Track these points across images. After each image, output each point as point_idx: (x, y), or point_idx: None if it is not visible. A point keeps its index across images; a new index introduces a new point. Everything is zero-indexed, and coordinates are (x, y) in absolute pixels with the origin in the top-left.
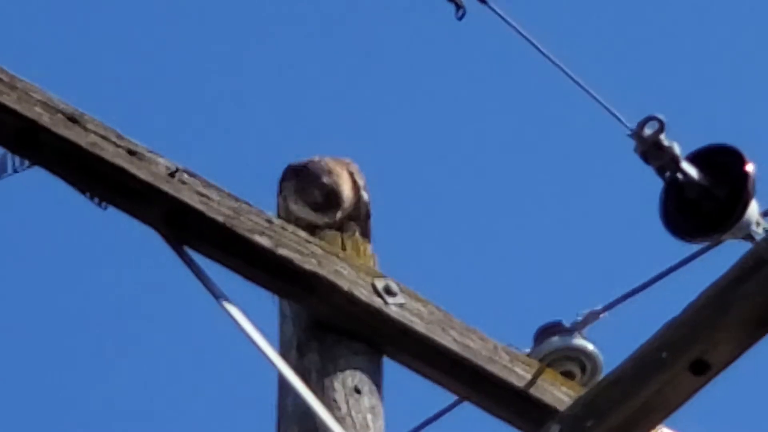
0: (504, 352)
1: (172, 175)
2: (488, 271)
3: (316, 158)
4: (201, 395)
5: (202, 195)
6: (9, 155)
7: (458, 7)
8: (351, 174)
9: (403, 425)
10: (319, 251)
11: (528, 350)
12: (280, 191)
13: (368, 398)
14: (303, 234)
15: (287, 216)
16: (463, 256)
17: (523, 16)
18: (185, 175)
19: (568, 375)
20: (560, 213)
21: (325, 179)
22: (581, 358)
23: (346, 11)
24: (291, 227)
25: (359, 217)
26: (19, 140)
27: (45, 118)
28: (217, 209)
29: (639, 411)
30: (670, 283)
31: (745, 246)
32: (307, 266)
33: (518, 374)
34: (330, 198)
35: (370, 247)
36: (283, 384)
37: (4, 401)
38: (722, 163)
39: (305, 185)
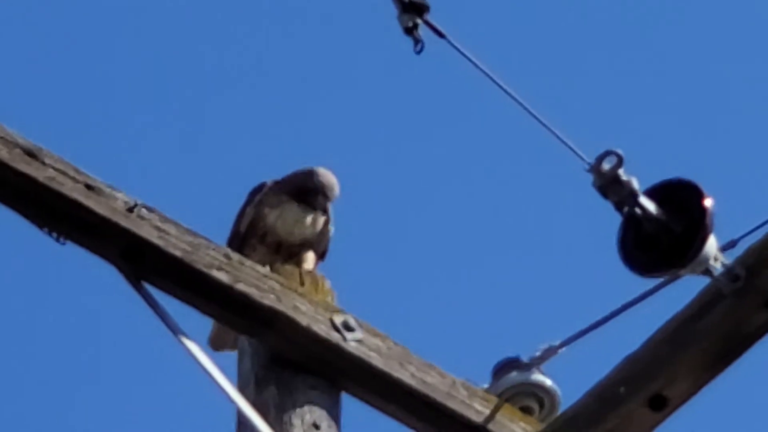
0: (462, 388)
1: (130, 210)
2: (446, 307)
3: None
4: (159, 431)
5: (161, 230)
6: None
7: (417, 41)
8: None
9: None
10: (278, 286)
11: (486, 386)
12: (251, 200)
13: None
14: (261, 269)
15: (256, 220)
16: (421, 291)
17: (482, 51)
18: (143, 210)
19: (526, 410)
20: (518, 247)
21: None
22: (539, 393)
23: (302, 45)
24: (249, 262)
25: (318, 250)
26: None
27: (3, 153)
28: (175, 244)
29: None
30: (628, 318)
31: (704, 281)
32: (265, 301)
33: (477, 410)
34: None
35: (328, 283)
36: (242, 420)
37: None
38: (681, 197)
39: (308, 178)
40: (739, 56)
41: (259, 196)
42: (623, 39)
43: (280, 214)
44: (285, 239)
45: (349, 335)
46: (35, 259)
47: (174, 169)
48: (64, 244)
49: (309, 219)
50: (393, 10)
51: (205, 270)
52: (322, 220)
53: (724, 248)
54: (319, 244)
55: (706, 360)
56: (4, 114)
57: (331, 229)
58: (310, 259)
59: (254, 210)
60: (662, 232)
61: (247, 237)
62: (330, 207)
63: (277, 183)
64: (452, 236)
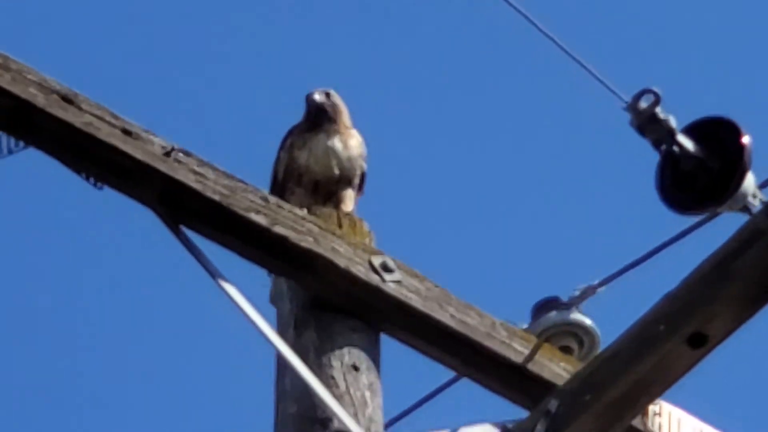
0: (502, 328)
1: (167, 154)
2: (485, 248)
3: None
4: (198, 374)
5: (198, 174)
6: (4, 136)
7: None
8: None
9: (401, 402)
10: (316, 229)
11: (526, 326)
12: (283, 145)
13: (366, 375)
14: (299, 212)
15: (290, 164)
16: (460, 232)
17: None
18: (180, 155)
19: (565, 350)
20: (556, 188)
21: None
22: (579, 332)
23: None
24: (287, 205)
25: (354, 182)
26: (13, 121)
27: (40, 99)
28: (213, 188)
29: (637, 385)
30: (667, 257)
31: (742, 218)
32: (303, 244)
33: (516, 350)
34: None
35: (366, 225)
36: (281, 362)
37: None
38: (718, 135)
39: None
40: None
41: (289, 140)
42: None
43: (310, 151)
44: (322, 176)
45: (387, 276)
46: (73, 204)
47: (211, 113)
48: (101, 189)
49: (338, 145)
50: None
51: (242, 213)
52: (352, 143)
53: (762, 185)
54: (353, 173)
55: (745, 297)
56: (40, 59)
57: (364, 164)
58: (348, 198)
59: (287, 154)
60: (700, 169)
61: (285, 182)
62: (333, 104)
63: (299, 124)
64: (490, 177)
